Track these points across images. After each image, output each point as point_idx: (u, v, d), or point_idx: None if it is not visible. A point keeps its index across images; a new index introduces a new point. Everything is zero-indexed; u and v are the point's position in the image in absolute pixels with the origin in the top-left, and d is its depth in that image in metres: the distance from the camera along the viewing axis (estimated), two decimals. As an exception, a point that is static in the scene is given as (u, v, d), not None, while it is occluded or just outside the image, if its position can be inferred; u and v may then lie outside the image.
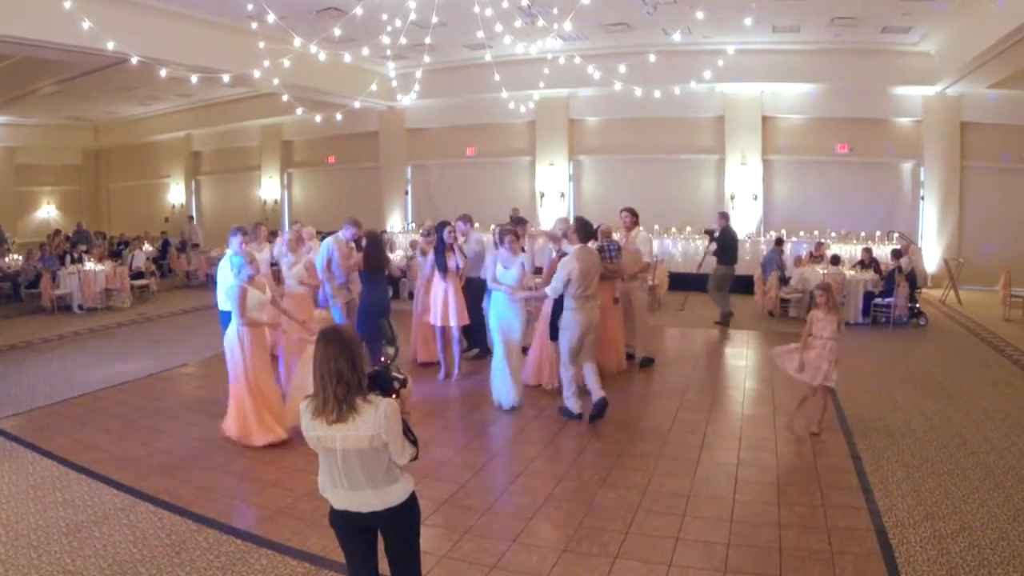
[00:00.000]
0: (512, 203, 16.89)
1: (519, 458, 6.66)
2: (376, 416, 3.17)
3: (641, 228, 10.12)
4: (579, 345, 7.51)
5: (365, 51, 12.60)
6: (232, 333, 6.90)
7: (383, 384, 3.29)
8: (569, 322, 7.43)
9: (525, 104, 17.17)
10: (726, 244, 12.70)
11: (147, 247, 19.96)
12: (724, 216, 13.05)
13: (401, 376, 3.35)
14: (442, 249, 8.90)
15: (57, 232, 21.04)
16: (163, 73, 10.97)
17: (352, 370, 3.19)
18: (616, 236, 9.69)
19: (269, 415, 6.92)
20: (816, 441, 6.85)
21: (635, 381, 9.40)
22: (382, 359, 3.36)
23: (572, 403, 7.66)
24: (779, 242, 14.69)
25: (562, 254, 7.97)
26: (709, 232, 13.71)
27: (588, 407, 7.57)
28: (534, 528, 5.22)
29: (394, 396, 3.28)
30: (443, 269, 8.83)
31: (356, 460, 3.22)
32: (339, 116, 14.26)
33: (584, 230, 7.52)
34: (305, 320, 7.59)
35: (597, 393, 7.53)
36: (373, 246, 8.94)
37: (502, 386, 7.94)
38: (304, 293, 8.76)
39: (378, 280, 9.03)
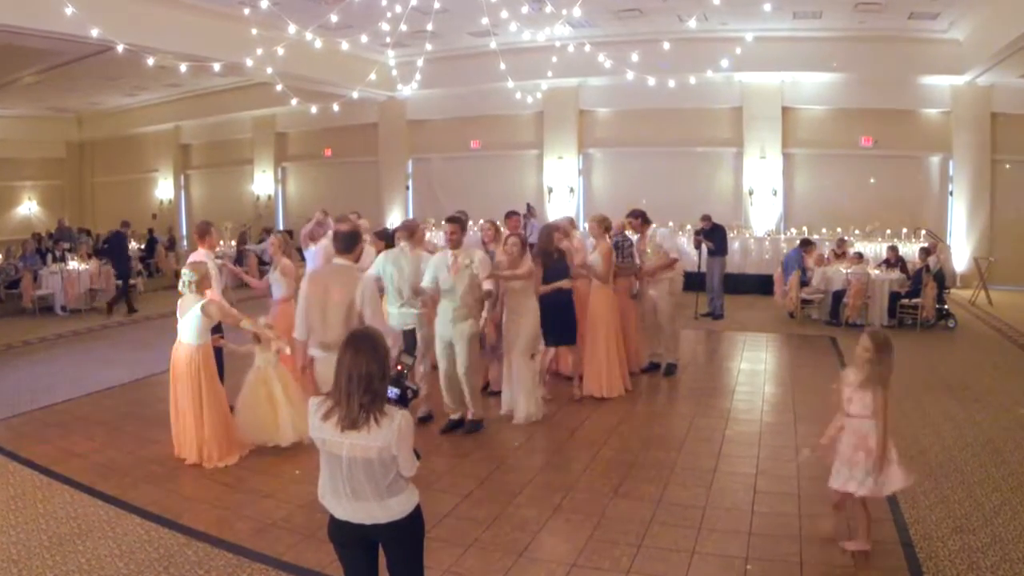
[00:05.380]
0: (517, 199, 16.94)
1: (525, 468, 6.65)
2: (390, 428, 3.17)
3: (655, 225, 9.97)
4: None
5: (364, 38, 12.56)
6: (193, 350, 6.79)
7: (399, 391, 3.29)
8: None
9: (532, 94, 17.16)
10: (719, 238, 14.05)
11: (133, 245, 20.02)
12: (708, 217, 14.21)
13: (414, 386, 3.35)
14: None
15: None
16: (150, 62, 10.99)
17: (381, 379, 3.18)
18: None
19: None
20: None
21: (648, 386, 9.40)
22: (398, 367, 3.35)
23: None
24: (806, 243, 14.50)
25: None
26: (699, 232, 14.10)
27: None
28: (542, 541, 5.22)
29: (404, 406, 3.29)
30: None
31: (361, 469, 3.21)
32: (336, 107, 14.27)
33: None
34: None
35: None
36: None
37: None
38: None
39: None
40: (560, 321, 8.24)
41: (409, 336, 3.55)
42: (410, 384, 3.35)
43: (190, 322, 6.69)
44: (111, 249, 16.50)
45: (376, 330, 3.41)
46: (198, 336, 6.71)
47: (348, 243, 5.97)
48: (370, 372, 3.16)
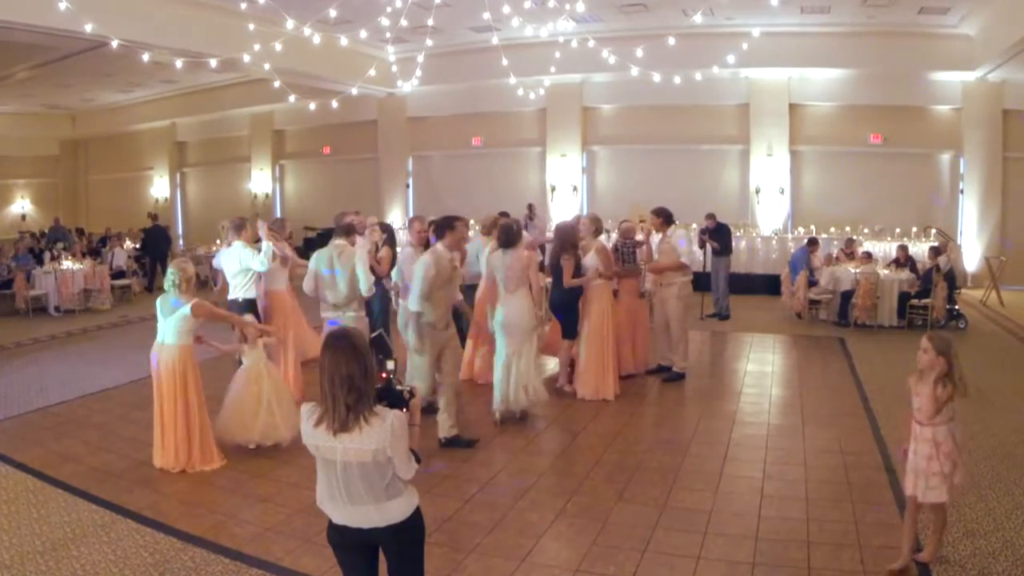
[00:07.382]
0: (519, 197, 16.94)
1: (528, 471, 6.64)
2: (383, 429, 3.16)
3: (675, 225, 9.79)
4: None
5: (363, 34, 12.53)
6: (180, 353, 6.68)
7: (392, 398, 3.29)
8: None
9: (535, 91, 17.16)
10: (724, 237, 14.24)
11: (128, 244, 20.00)
12: (712, 216, 14.30)
13: (407, 387, 3.35)
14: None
15: None
16: (146, 58, 10.99)
17: (364, 377, 3.17)
18: (639, 236, 9.74)
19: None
20: (848, 454, 6.82)
21: (653, 388, 9.39)
22: (383, 375, 3.36)
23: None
24: (812, 242, 14.53)
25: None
26: (704, 231, 14.14)
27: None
28: (544, 547, 5.21)
29: (403, 409, 3.29)
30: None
31: (357, 473, 3.21)
32: (335, 103, 14.27)
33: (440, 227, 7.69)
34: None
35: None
36: (393, 243, 9.28)
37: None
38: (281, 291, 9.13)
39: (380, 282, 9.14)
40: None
41: (379, 341, 3.55)
42: (402, 387, 3.35)
43: (175, 323, 6.61)
44: (153, 240, 19.12)
45: (354, 329, 3.41)
46: (182, 337, 6.65)
47: (349, 230, 7.88)
48: (351, 372, 3.15)
